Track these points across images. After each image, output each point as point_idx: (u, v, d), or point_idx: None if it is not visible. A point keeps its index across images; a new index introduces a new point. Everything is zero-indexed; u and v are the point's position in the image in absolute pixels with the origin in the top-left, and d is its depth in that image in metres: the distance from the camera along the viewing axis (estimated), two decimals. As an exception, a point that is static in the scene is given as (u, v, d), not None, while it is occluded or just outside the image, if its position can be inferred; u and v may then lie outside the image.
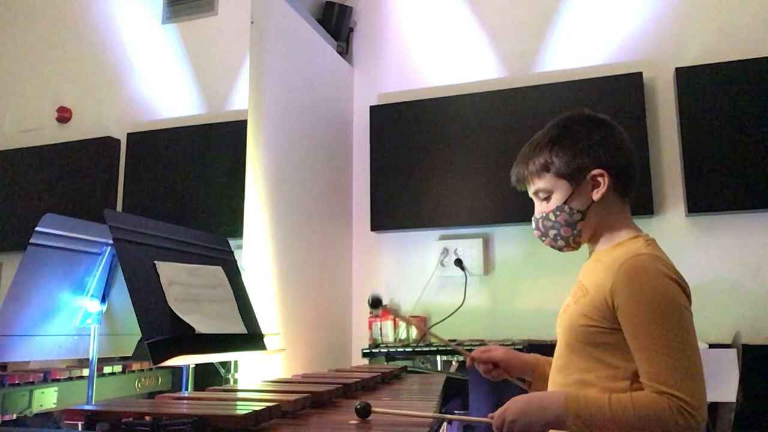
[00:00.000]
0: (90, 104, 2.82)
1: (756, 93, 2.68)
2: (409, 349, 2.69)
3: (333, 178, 3.20)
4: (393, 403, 1.21)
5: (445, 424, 1.31)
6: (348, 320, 3.23)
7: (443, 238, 3.15)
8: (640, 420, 1.10)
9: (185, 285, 1.56)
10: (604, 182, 1.30)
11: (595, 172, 1.30)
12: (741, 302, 2.65)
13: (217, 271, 1.72)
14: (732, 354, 2.15)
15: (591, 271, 1.32)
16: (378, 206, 3.21)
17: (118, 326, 1.69)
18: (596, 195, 1.31)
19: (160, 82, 2.73)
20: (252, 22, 2.44)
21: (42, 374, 1.68)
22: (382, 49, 3.49)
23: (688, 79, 2.80)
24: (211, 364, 1.81)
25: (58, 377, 1.72)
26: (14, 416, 1.58)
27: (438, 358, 2.68)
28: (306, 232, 2.82)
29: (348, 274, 3.29)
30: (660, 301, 1.16)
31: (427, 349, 2.68)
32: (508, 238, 3.06)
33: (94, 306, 1.57)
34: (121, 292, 1.61)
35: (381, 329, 2.99)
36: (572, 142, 1.32)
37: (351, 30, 3.52)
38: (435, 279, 3.12)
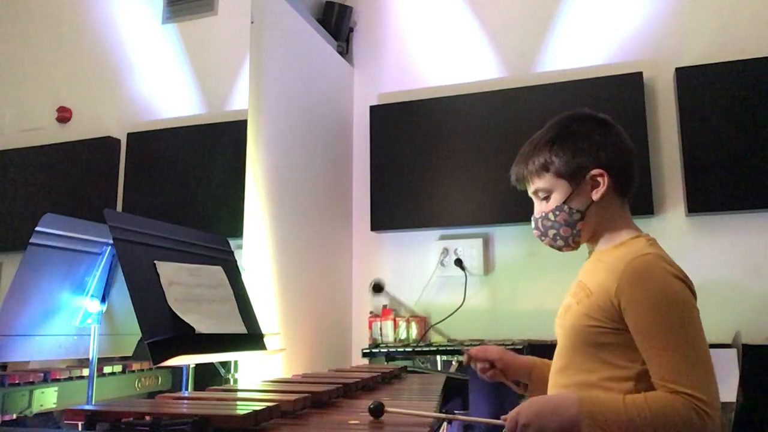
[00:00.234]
0: (90, 104, 2.82)
1: (756, 93, 2.68)
2: (409, 349, 2.69)
3: (333, 178, 3.20)
4: (400, 403, 1.20)
5: (445, 423, 1.31)
6: (348, 320, 3.23)
7: (443, 238, 3.15)
8: (656, 420, 1.09)
9: (185, 285, 1.56)
10: (603, 182, 1.30)
11: (595, 172, 1.30)
12: (741, 302, 2.65)
13: (217, 271, 1.72)
14: (732, 354, 2.15)
15: (592, 271, 1.32)
16: (378, 206, 3.21)
17: (118, 326, 1.69)
18: (596, 195, 1.31)
19: (160, 82, 2.72)
20: (252, 22, 2.44)
21: (42, 374, 1.68)
22: (382, 49, 3.49)
23: (688, 79, 2.80)
24: (211, 364, 1.81)
25: (58, 377, 1.72)
26: (14, 416, 1.57)
27: (438, 358, 2.69)
28: (306, 232, 2.82)
29: (348, 274, 3.29)
30: (669, 301, 1.16)
31: (427, 349, 2.68)
32: (508, 238, 3.06)
33: (94, 306, 1.57)
34: (121, 292, 1.60)
35: (381, 329, 2.99)
36: (572, 141, 1.32)
37: (351, 30, 3.52)
38: (435, 279, 3.12)
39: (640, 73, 2.88)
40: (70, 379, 1.75)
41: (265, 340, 1.81)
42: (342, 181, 3.32)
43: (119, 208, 2.58)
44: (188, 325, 1.46)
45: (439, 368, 2.67)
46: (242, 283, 1.84)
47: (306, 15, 3.02)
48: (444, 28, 3.36)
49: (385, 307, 3.14)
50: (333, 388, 1.26)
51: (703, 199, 2.71)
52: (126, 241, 1.46)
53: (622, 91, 2.87)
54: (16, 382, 1.60)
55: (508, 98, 3.07)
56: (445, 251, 3.10)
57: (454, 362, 2.66)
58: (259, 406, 0.95)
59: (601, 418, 1.11)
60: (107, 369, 1.88)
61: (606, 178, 1.30)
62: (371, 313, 3.14)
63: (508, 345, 2.54)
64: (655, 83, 2.93)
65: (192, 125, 2.65)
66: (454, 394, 1.97)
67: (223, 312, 1.64)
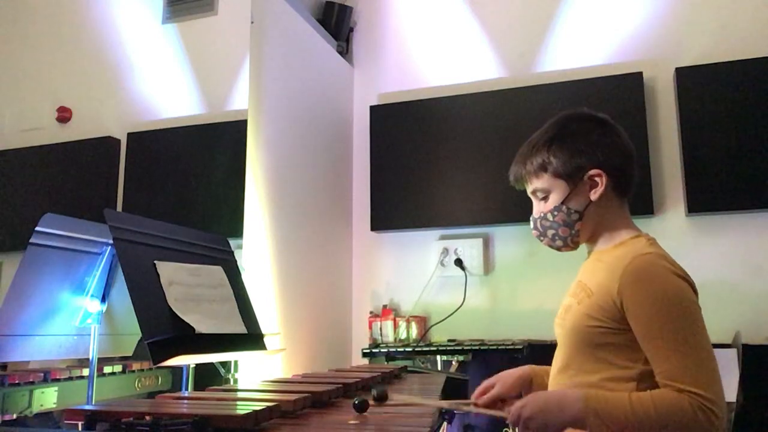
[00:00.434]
0: (90, 104, 2.82)
1: (756, 93, 2.68)
2: (409, 349, 2.69)
3: (333, 178, 3.20)
4: (402, 399, 1.20)
5: (444, 423, 1.31)
6: (348, 320, 3.24)
7: (443, 238, 3.15)
8: (662, 418, 1.09)
9: (185, 285, 1.56)
10: (601, 182, 1.30)
11: (593, 172, 1.30)
12: (741, 302, 2.65)
13: (217, 271, 1.72)
14: (732, 354, 2.15)
15: (592, 271, 1.31)
16: (378, 206, 3.21)
17: (118, 326, 1.69)
18: (594, 195, 1.30)
19: (160, 82, 2.72)
20: (252, 22, 2.44)
21: (42, 374, 1.68)
22: (382, 49, 3.49)
23: (688, 79, 2.80)
24: (211, 364, 1.81)
25: (58, 377, 1.72)
26: (14, 416, 1.57)
27: (438, 358, 2.68)
28: (306, 232, 2.83)
29: (348, 274, 3.29)
30: (672, 300, 1.16)
31: (427, 349, 2.68)
32: (508, 238, 3.06)
33: (94, 306, 1.57)
34: (121, 292, 1.61)
35: (381, 329, 2.99)
36: (570, 141, 1.32)
37: (351, 30, 3.52)
38: (435, 279, 3.12)
39: (640, 73, 2.88)
40: (70, 379, 1.75)
41: (265, 340, 1.81)
42: (342, 181, 3.32)
43: (119, 208, 2.58)
44: (188, 325, 1.46)
45: (439, 368, 2.67)
46: (242, 283, 1.84)
47: (306, 15, 3.02)
48: (444, 28, 3.36)
49: (385, 307, 3.14)
50: (333, 388, 1.26)
51: (703, 199, 2.71)
52: (126, 241, 1.46)
53: (622, 91, 2.87)
54: (16, 382, 1.60)
55: (508, 98, 3.07)
56: (445, 251, 3.10)
57: (454, 362, 2.66)
58: (259, 406, 0.95)
59: (607, 416, 1.11)
60: (107, 369, 1.88)
61: (604, 179, 1.29)
62: (371, 313, 3.14)
63: (509, 345, 2.55)
64: (655, 83, 2.93)
65: (192, 125, 2.65)
66: (454, 394, 1.97)
67: (223, 312, 1.64)
